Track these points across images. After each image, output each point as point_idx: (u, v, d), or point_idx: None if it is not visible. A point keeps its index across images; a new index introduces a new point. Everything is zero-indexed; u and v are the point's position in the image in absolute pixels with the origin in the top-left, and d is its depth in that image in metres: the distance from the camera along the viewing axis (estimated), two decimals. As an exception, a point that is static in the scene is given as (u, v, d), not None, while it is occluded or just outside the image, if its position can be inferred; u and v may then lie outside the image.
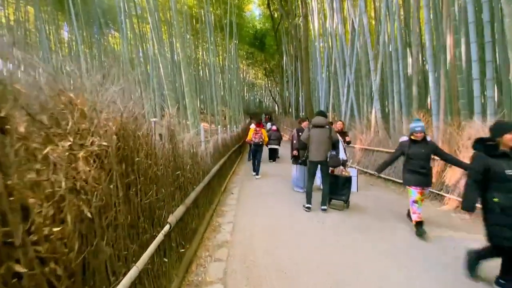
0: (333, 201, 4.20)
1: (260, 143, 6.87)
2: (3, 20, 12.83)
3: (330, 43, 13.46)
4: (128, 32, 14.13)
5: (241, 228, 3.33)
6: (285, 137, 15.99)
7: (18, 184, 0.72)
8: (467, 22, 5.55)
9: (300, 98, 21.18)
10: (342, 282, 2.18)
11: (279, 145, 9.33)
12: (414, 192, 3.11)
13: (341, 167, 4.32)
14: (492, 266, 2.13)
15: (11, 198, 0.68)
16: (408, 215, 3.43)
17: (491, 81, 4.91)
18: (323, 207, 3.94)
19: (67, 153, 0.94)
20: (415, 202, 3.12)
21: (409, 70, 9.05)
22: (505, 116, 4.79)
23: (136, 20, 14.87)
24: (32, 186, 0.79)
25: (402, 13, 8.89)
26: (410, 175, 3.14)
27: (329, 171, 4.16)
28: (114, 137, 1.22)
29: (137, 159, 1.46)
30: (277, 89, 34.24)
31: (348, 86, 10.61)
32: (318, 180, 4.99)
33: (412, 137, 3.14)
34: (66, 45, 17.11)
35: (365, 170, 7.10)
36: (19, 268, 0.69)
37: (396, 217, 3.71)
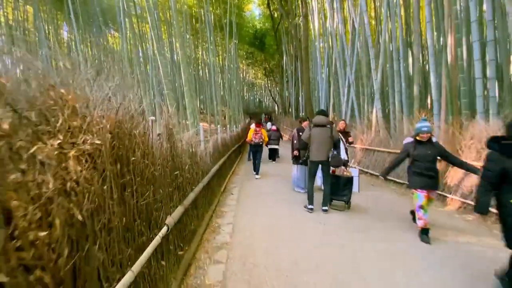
0: (334, 201, 4.15)
1: (260, 143, 6.83)
2: (2, 19, 12.75)
3: (330, 43, 13.42)
4: (128, 32, 14.07)
5: (241, 229, 3.27)
6: (285, 137, 15.95)
7: (0, 185, 0.66)
8: (469, 20, 5.52)
9: (300, 98, 21.14)
10: (342, 282, 2.15)
11: (278, 145, 9.29)
12: (420, 196, 2.94)
13: (342, 167, 4.27)
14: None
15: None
16: (412, 213, 3.37)
17: (493, 80, 4.86)
18: (324, 208, 3.88)
19: (56, 152, 0.88)
20: (421, 207, 2.94)
21: (410, 70, 8.99)
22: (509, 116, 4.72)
23: (136, 20, 14.81)
24: (16, 187, 0.73)
25: (402, 12, 8.84)
26: (416, 178, 2.99)
27: (330, 171, 4.11)
28: (108, 135, 1.16)
29: (133, 158, 1.40)
30: (277, 89, 34.19)
31: (349, 86, 10.57)
32: (318, 180, 4.93)
33: (418, 138, 3.00)
34: (65, 44, 17.03)
35: (366, 170, 7.05)
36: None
37: (397, 218, 3.66)
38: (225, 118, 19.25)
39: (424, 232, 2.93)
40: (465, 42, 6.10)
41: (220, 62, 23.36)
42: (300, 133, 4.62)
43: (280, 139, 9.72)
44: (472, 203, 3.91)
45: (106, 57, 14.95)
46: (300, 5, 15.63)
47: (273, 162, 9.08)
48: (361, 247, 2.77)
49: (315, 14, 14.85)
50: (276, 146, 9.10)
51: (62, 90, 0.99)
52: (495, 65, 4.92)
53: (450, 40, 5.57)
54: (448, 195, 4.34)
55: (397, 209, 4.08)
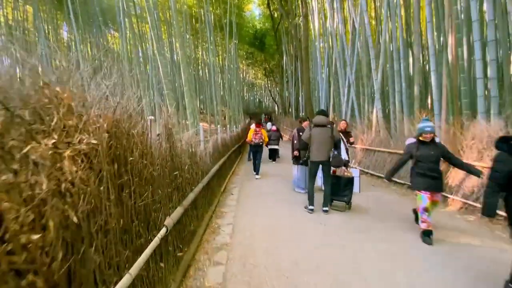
0: (335, 202, 4.12)
1: (260, 143, 6.81)
2: (2, 20, 12.73)
3: (330, 43, 13.40)
4: (128, 32, 14.04)
5: (241, 230, 3.24)
6: (285, 137, 15.93)
7: (-10, 186, 0.63)
8: (470, 20, 5.49)
9: (300, 98, 21.12)
10: (342, 282, 2.13)
11: (278, 145, 9.27)
12: (424, 198, 2.86)
13: (343, 168, 4.24)
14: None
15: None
16: (414, 211, 3.33)
17: (494, 80, 4.83)
18: (324, 208, 3.85)
19: (50, 152, 0.86)
20: (425, 210, 2.86)
21: (410, 70, 8.98)
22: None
23: (136, 20, 14.79)
24: (7, 188, 0.70)
25: (403, 13, 8.82)
26: (419, 179, 2.91)
27: (331, 172, 4.08)
28: (105, 135, 1.13)
29: (131, 158, 1.37)
30: (277, 89, 34.17)
31: (349, 86, 10.54)
32: (319, 181, 4.90)
33: (421, 138, 2.94)
34: (65, 44, 17.00)
35: (366, 170, 7.02)
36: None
37: (398, 218, 3.63)
38: (225, 118, 19.23)
39: (426, 234, 2.88)
40: (465, 42, 6.08)
41: (220, 62, 23.34)
42: (301, 133, 4.59)
43: (280, 139, 9.69)
44: (474, 203, 3.89)
45: (106, 57, 14.93)
46: (300, 5, 15.61)
47: (273, 162, 9.05)
48: (362, 248, 2.74)
49: (315, 14, 14.84)
50: (276, 147, 9.08)
51: (57, 88, 0.96)
52: (496, 65, 4.90)
53: (450, 40, 5.55)
54: (449, 195, 4.31)
55: (398, 210, 4.05)
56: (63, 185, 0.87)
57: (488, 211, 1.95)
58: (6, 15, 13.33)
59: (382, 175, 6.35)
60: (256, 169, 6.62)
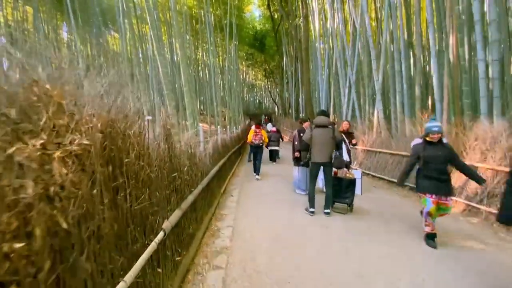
0: (336, 204, 4.06)
1: (260, 144, 6.78)
2: (1, 20, 12.69)
3: (331, 44, 13.37)
4: (127, 32, 14.01)
5: (241, 233, 3.18)
6: (285, 138, 15.87)
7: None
8: (471, 20, 5.45)
9: (300, 99, 21.07)
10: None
11: (279, 146, 9.22)
12: (429, 202, 2.74)
13: (345, 169, 4.18)
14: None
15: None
16: (422, 213, 3.27)
17: (497, 81, 4.78)
18: (326, 211, 3.79)
19: (38, 153, 0.80)
20: (430, 215, 2.76)
21: (411, 70, 8.94)
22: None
23: (136, 20, 14.76)
24: (-12, 193, 0.64)
25: (403, 13, 8.79)
26: (425, 181, 2.80)
27: (332, 173, 4.02)
28: (99, 135, 1.08)
29: (127, 160, 1.31)
30: (277, 90, 34.15)
31: (350, 86, 10.50)
32: (320, 183, 4.85)
33: (428, 139, 2.82)
34: (65, 45, 16.95)
35: (368, 171, 6.96)
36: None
37: (401, 220, 3.58)
38: (225, 119, 19.17)
39: (430, 237, 2.82)
40: (466, 42, 6.04)
41: (220, 63, 23.30)
42: (301, 134, 4.54)
43: (280, 140, 9.63)
44: (477, 205, 3.83)
45: (105, 57, 14.90)
46: (301, 6, 15.59)
47: (274, 163, 9.00)
48: (366, 252, 2.68)
49: (316, 15, 14.82)
50: (276, 148, 9.02)
51: (47, 86, 0.91)
52: (498, 66, 4.85)
53: (452, 40, 5.51)
54: (452, 197, 4.25)
55: (400, 212, 3.99)
56: (51, 189, 0.81)
57: (507, 218, 1.85)
58: (6, 15, 13.30)
59: (384, 177, 6.30)
60: (256, 170, 6.58)
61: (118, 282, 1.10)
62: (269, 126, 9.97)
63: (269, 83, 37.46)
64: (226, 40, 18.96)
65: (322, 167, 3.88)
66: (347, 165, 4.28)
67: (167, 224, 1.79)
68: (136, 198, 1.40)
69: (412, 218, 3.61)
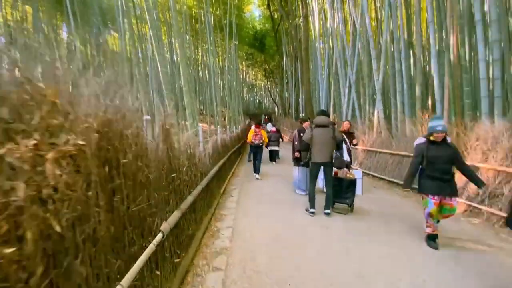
0: (337, 204, 4.03)
1: (260, 144, 6.76)
2: (1, 20, 12.65)
3: (331, 43, 13.35)
4: (127, 32, 13.97)
5: (241, 233, 3.16)
6: (285, 138, 15.85)
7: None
8: (472, 20, 5.43)
9: (300, 99, 21.05)
10: (347, 288, 2.05)
11: (279, 146, 9.19)
12: (430, 203, 2.67)
13: (345, 169, 4.15)
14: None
15: None
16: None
17: (498, 81, 4.76)
18: (326, 211, 3.77)
19: (31, 154, 0.77)
20: (431, 216, 2.70)
21: (412, 70, 8.92)
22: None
23: (135, 20, 14.72)
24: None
25: (404, 13, 8.77)
26: (427, 181, 2.71)
27: (333, 173, 3.99)
28: (95, 135, 1.05)
29: (124, 161, 1.29)
30: (277, 90, 34.13)
31: (350, 86, 10.48)
32: (320, 183, 4.82)
33: (432, 138, 2.72)
34: (65, 45, 16.90)
35: (368, 172, 6.94)
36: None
37: (401, 221, 3.55)
38: (225, 119, 19.14)
39: (431, 238, 2.79)
40: (467, 42, 6.02)
41: (220, 63, 23.26)
42: (301, 134, 4.51)
43: (280, 140, 9.61)
44: (479, 206, 3.80)
45: (105, 57, 14.85)
46: (300, 6, 15.56)
47: (273, 163, 8.97)
48: (367, 252, 2.66)
49: (316, 15, 14.79)
50: (276, 148, 8.99)
51: (41, 84, 0.88)
52: (499, 65, 4.83)
53: (452, 40, 5.49)
54: (456, 198, 4.22)
55: (401, 212, 3.97)
56: (44, 191, 0.78)
57: None
58: (5, 15, 13.25)
59: (384, 177, 6.27)
60: (256, 170, 6.56)
61: (115, 286, 1.07)
62: (269, 126, 9.94)
63: (269, 83, 37.44)
64: (226, 40, 18.92)
65: (322, 167, 3.85)
66: (348, 165, 4.25)
67: (165, 226, 1.76)
68: (133, 200, 1.37)
69: (412, 219, 3.59)
